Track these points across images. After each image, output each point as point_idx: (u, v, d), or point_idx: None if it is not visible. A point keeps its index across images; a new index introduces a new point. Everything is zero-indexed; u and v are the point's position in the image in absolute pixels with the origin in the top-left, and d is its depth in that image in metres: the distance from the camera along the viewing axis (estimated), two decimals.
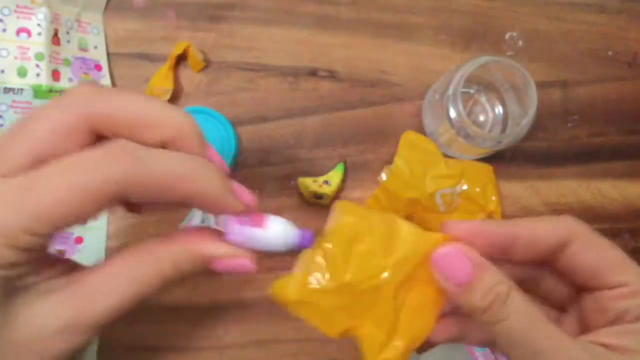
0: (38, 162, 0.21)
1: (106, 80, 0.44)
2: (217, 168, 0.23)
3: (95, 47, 0.44)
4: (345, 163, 0.45)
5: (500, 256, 0.25)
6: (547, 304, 0.29)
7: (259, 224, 0.25)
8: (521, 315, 0.23)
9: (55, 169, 0.20)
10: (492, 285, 0.23)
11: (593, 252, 0.25)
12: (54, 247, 0.42)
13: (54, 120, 0.21)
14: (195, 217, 0.43)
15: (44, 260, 0.23)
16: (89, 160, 0.21)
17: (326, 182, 0.44)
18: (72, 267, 0.24)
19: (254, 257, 0.25)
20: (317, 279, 0.26)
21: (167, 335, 0.43)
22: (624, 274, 0.24)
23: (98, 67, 0.44)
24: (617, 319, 0.24)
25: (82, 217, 0.21)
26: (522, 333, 0.23)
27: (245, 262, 0.25)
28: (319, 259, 0.26)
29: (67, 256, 0.42)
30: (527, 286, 0.27)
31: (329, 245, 0.26)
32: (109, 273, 0.23)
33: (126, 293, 0.23)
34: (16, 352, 0.22)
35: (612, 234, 0.47)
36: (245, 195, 0.25)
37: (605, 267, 0.24)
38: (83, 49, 0.44)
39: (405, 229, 0.26)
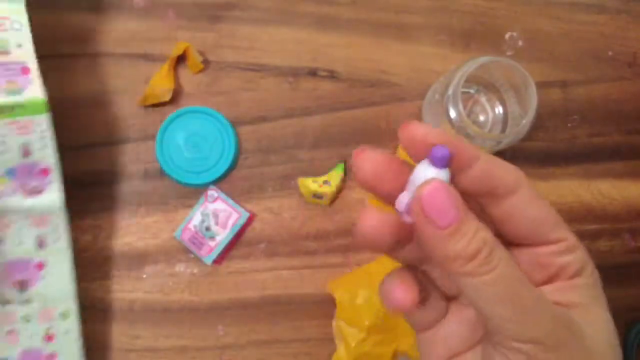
0: None
1: (36, 85, 0.35)
2: None
3: (20, 46, 0.36)
4: (345, 163, 0.45)
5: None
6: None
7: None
8: (509, 267, 0.21)
9: None
10: (476, 230, 0.21)
11: (538, 205, 0.23)
12: (14, 278, 0.38)
13: None
14: (195, 218, 0.43)
15: None
16: None
17: (326, 182, 0.44)
18: None
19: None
20: (354, 339, 0.40)
21: (167, 336, 0.43)
22: (563, 229, 0.23)
23: (25, 71, 0.35)
24: (555, 276, 0.23)
25: None
26: (511, 287, 0.21)
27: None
28: (345, 328, 0.41)
29: (30, 285, 0.38)
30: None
31: (341, 322, 0.41)
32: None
33: None
34: None
35: (612, 234, 0.47)
36: None
37: (548, 221, 0.23)
38: (2, 52, 0.35)
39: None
